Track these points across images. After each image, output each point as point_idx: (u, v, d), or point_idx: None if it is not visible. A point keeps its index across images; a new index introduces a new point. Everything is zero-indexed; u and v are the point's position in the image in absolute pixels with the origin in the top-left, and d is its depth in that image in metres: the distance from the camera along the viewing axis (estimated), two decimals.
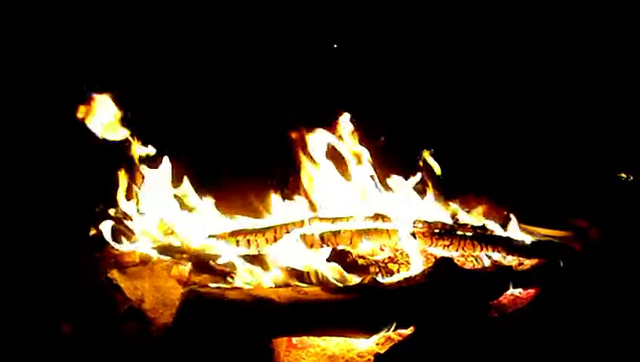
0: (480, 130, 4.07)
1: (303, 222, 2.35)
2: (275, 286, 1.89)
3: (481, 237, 2.37)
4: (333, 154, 2.72)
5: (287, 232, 2.25)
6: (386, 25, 4.43)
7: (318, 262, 2.05)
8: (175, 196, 2.45)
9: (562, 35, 4.27)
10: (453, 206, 2.70)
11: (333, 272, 1.99)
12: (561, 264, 2.21)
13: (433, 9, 4.41)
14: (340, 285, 1.92)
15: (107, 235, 2.23)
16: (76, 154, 3.00)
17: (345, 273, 2.00)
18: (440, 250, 2.33)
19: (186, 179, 2.49)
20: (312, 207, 2.57)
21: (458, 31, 4.39)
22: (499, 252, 2.35)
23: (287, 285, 1.88)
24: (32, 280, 2.14)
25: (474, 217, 2.68)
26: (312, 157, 2.67)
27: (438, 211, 2.65)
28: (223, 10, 4.17)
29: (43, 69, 3.51)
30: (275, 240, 2.22)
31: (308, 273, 1.95)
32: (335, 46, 4.21)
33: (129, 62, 3.73)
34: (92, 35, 3.68)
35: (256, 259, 2.06)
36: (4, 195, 2.91)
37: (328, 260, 2.08)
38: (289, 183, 2.73)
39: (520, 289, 2.15)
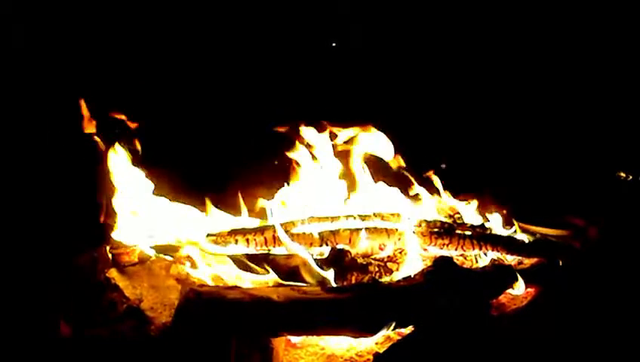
0: (480, 128, 4.07)
1: (302, 220, 2.35)
2: (275, 286, 1.89)
3: (481, 237, 2.37)
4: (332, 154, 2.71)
5: (286, 231, 2.24)
6: (386, 25, 4.43)
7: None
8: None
9: (562, 35, 4.27)
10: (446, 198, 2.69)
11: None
12: (561, 263, 2.21)
13: (432, 9, 4.41)
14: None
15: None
16: (75, 155, 3.00)
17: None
18: (439, 249, 2.33)
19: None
20: (311, 205, 2.56)
21: (459, 30, 4.39)
22: (498, 251, 2.34)
23: (282, 285, 1.87)
24: (31, 279, 2.14)
25: (473, 215, 2.67)
26: (312, 156, 2.67)
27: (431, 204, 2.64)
28: (223, 10, 4.17)
29: (43, 69, 3.51)
30: (274, 239, 2.21)
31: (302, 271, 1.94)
32: (334, 45, 4.21)
33: (127, 61, 3.73)
34: (91, 35, 3.68)
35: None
36: (3, 195, 2.91)
37: (327, 259, 2.07)
38: (288, 182, 2.72)
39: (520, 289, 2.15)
